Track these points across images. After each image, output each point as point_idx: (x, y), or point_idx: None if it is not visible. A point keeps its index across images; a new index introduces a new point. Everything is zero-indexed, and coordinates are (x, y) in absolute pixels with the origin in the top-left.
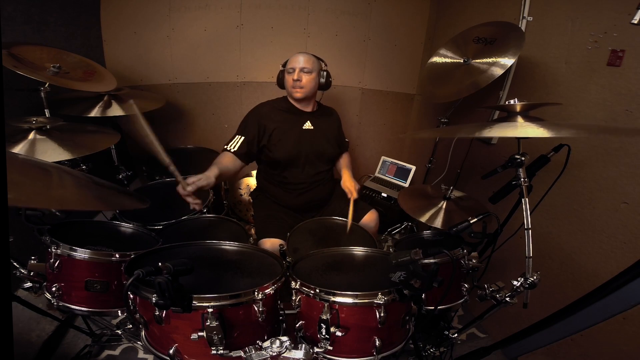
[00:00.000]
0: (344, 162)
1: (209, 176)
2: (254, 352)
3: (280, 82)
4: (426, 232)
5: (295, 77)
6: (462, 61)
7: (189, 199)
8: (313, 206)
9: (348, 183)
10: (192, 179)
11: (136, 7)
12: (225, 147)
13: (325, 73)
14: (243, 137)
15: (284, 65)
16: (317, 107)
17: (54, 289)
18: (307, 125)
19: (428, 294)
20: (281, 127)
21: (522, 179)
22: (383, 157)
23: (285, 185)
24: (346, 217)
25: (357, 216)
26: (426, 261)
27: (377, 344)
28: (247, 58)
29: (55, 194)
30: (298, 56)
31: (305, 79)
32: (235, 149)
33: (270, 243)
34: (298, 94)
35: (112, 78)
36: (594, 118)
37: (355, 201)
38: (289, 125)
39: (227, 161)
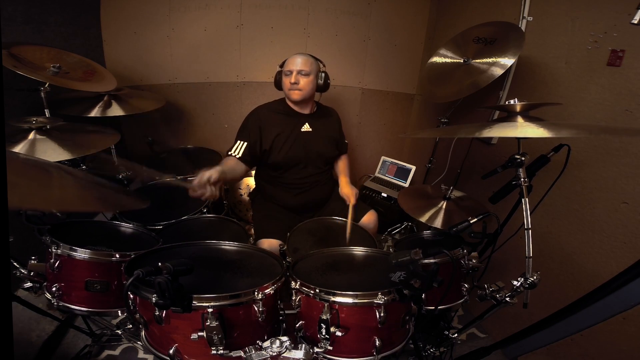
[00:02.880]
0: (341, 166)
1: (215, 168)
2: (254, 352)
3: (278, 84)
4: (426, 232)
5: (293, 80)
6: (462, 61)
7: (206, 194)
8: (312, 207)
9: (346, 190)
10: (196, 179)
11: (136, 7)
12: (229, 152)
13: (323, 74)
14: (246, 143)
15: (282, 65)
16: (316, 108)
17: (54, 289)
18: (306, 127)
19: (428, 294)
20: (280, 131)
21: (522, 179)
22: (383, 157)
23: (284, 186)
24: (345, 217)
25: (356, 217)
26: (426, 261)
27: (377, 344)
28: (247, 58)
29: (56, 195)
30: (296, 58)
31: (303, 81)
32: (239, 155)
33: (269, 243)
34: (295, 95)
35: (112, 78)
36: (594, 118)
37: (354, 206)
38: (287, 128)
39: (231, 163)
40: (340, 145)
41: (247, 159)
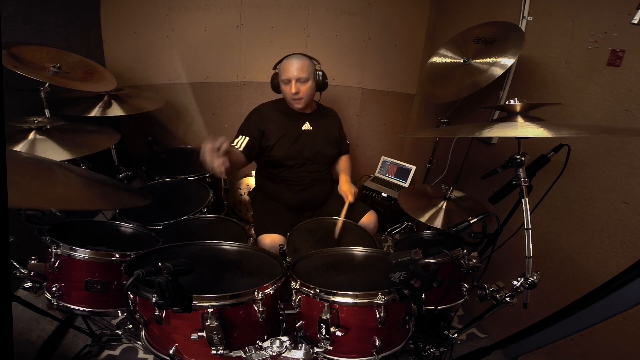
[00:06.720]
0: (342, 165)
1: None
2: (254, 352)
3: (276, 88)
4: (426, 232)
5: (293, 90)
6: (462, 61)
7: (214, 161)
8: (311, 204)
9: (344, 187)
10: (208, 143)
11: (136, 7)
12: (231, 144)
13: (320, 74)
14: (248, 138)
15: (275, 67)
16: (317, 107)
17: (54, 289)
18: (306, 126)
19: (428, 294)
20: (280, 129)
21: (522, 179)
22: (383, 157)
23: (284, 183)
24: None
25: (355, 217)
26: (426, 261)
27: (377, 344)
28: (247, 58)
29: (60, 192)
30: (292, 64)
31: (303, 89)
32: (242, 148)
33: (270, 239)
34: (299, 105)
35: (112, 78)
36: (594, 118)
37: (351, 204)
38: (288, 126)
39: (235, 151)
40: (341, 145)
41: (247, 151)
